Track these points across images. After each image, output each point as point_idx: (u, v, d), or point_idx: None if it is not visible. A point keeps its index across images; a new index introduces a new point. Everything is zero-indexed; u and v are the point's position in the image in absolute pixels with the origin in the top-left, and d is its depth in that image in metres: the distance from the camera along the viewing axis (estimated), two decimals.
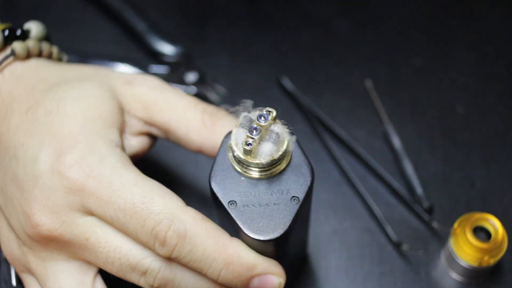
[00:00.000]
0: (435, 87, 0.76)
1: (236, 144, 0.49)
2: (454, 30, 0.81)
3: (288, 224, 0.49)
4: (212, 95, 0.74)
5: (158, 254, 0.51)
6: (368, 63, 0.78)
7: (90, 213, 0.52)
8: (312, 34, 0.80)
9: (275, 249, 0.51)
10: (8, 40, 0.58)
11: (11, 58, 0.57)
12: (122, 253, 0.52)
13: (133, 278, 0.52)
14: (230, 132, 0.51)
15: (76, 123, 0.53)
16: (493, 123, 0.74)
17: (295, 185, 0.50)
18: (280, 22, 0.81)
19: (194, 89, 0.75)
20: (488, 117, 0.74)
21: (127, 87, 0.57)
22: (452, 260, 0.63)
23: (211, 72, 0.76)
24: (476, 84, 0.77)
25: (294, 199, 0.50)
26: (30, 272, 0.56)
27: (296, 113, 0.74)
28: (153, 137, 0.60)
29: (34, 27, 0.60)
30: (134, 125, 0.57)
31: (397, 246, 0.66)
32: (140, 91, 0.57)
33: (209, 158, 0.56)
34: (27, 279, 0.56)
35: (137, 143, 0.58)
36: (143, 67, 0.75)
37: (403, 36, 0.80)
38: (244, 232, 0.49)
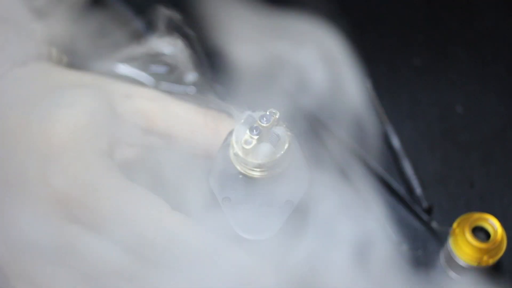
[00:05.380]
0: (434, 87, 0.76)
1: (236, 142, 0.50)
2: (453, 30, 0.80)
3: (278, 227, 0.49)
4: (211, 95, 0.74)
5: (146, 260, 0.51)
6: (367, 63, 0.78)
7: (76, 221, 0.52)
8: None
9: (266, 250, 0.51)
10: (12, 42, 0.58)
11: (10, 63, 0.57)
12: (109, 260, 0.52)
13: (121, 284, 0.52)
14: (233, 130, 0.51)
15: (66, 130, 0.53)
16: (493, 123, 0.74)
17: (291, 188, 0.50)
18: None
19: (193, 89, 0.75)
20: (488, 117, 0.74)
21: (126, 99, 0.57)
22: (451, 260, 0.63)
23: (210, 72, 0.76)
24: (476, 84, 0.77)
25: (288, 203, 0.50)
26: (22, 277, 0.56)
27: (295, 113, 0.74)
28: (149, 149, 0.60)
29: (38, 28, 0.60)
30: (133, 135, 0.57)
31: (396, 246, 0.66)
32: (139, 102, 0.57)
33: (208, 160, 0.56)
34: (19, 286, 0.57)
35: (131, 154, 0.58)
36: (142, 67, 0.75)
37: (402, 36, 0.80)
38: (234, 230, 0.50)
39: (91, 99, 0.56)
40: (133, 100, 0.57)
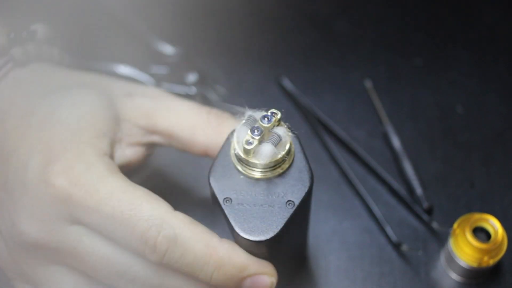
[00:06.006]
0: (435, 87, 0.76)
1: (238, 143, 0.50)
2: (454, 30, 0.80)
3: (279, 227, 0.49)
4: (212, 96, 0.74)
5: (148, 260, 0.51)
6: (368, 63, 0.78)
7: (77, 221, 0.52)
8: (312, 34, 0.80)
9: (267, 250, 0.51)
10: (14, 43, 0.57)
11: (11, 64, 0.57)
12: (110, 261, 0.52)
13: (121, 285, 0.52)
14: (234, 130, 0.51)
15: (67, 131, 0.53)
16: (493, 123, 0.74)
17: (292, 189, 0.50)
18: (280, 22, 0.81)
19: (194, 89, 0.75)
20: (488, 117, 0.74)
21: (128, 98, 0.57)
22: (451, 261, 0.63)
23: (211, 73, 0.76)
24: (476, 84, 0.77)
25: (289, 203, 0.50)
26: (23, 277, 0.56)
27: (295, 114, 0.74)
28: (150, 148, 0.60)
29: (40, 29, 0.60)
30: (134, 134, 0.57)
31: (396, 246, 0.66)
32: (141, 101, 0.57)
33: (209, 160, 0.56)
34: (20, 287, 0.57)
35: (131, 153, 0.58)
36: (143, 68, 0.75)
37: (403, 36, 0.80)
38: (235, 231, 0.49)
39: (93, 99, 0.56)
40: (134, 99, 0.57)
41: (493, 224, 0.62)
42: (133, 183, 0.53)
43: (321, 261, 0.66)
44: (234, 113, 0.51)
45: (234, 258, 0.51)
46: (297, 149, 0.51)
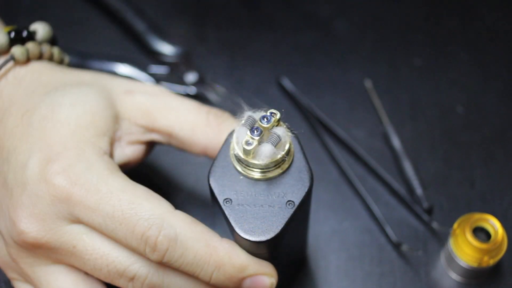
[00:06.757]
0: (435, 87, 0.76)
1: (237, 143, 0.50)
2: (454, 30, 0.80)
3: (280, 227, 0.49)
4: (211, 96, 0.74)
5: (149, 260, 0.51)
6: (368, 63, 0.78)
7: (77, 220, 0.52)
8: (312, 34, 0.80)
9: (267, 251, 0.51)
10: (14, 42, 0.57)
11: (11, 62, 0.57)
12: (110, 260, 0.52)
13: (121, 283, 0.52)
14: (233, 131, 0.51)
15: (67, 130, 0.53)
16: (493, 123, 0.74)
17: (292, 189, 0.50)
18: (280, 22, 0.81)
19: (193, 89, 0.75)
20: (488, 117, 0.74)
21: (128, 96, 0.57)
22: (451, 261, 0.63)
23: (210, 72, 0.76)
24: (476, 84, 0.77)
25: (289, 204, 0.50)
26: (22, 277, 0.56)
27: (295, 114, 0.74)
28: (150, 146, 0.60)
29: (40, 28, 0.60)
30: (134, 133, 0.57)
31: (396, 246, 0.66)
32: (141, 98, 0.57)
33: (209, 160, 0.56)
34: (19, 287, 0.57)
35: (131, 152, 0.58)
36: (143, 67, 0.75)
37: (403, 36, 0.80)
38: (235, 231, 0.49)
39: (92, 98, 0.55)
40: (134, 96, 0.57)
41: (493, 224, 0.62)
42: (133, 182, 0.53)
43: (321, 261, 0.66)
44: (236, 107, 0.51)
45: (234, 258, 0.51)
46: (296, 149, 0.51)
